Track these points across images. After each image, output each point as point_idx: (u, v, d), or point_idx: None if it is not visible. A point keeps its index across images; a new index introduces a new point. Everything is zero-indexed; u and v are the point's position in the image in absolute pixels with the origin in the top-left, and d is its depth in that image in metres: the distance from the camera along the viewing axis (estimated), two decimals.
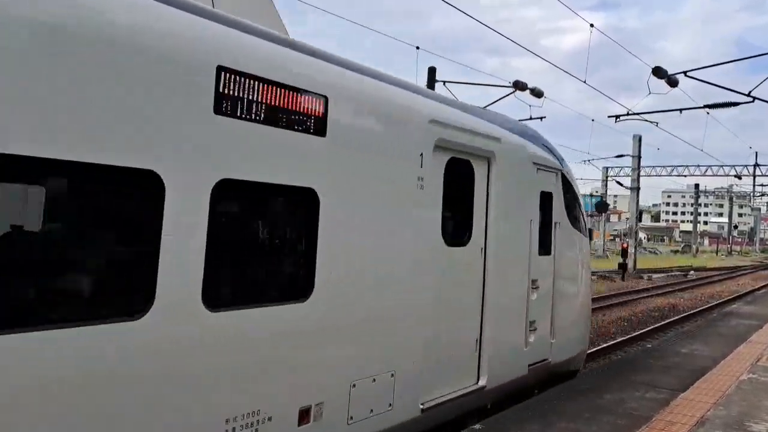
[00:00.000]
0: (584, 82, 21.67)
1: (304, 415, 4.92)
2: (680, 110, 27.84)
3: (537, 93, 21.76)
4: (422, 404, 6.21)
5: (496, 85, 23.18)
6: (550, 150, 8.94)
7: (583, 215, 9.88)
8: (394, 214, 5.77)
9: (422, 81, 22.91)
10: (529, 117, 24.02)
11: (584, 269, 10.00)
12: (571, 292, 9.43)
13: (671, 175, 64.73)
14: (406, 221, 5.92)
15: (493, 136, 7.31)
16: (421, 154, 6.11)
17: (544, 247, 8.51)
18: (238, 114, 4.37)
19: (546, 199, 8.59)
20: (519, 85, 21.52)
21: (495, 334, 7.30)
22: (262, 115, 4.53)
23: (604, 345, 15.82)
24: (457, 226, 6.92)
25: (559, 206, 8.93)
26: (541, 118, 24.11)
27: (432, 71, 24.01)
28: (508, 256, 7.59)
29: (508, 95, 22.58)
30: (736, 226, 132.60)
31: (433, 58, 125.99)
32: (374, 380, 5.58)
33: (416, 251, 6.05)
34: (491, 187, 7.31)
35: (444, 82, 23.52)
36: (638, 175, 50.30)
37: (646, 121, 31.62)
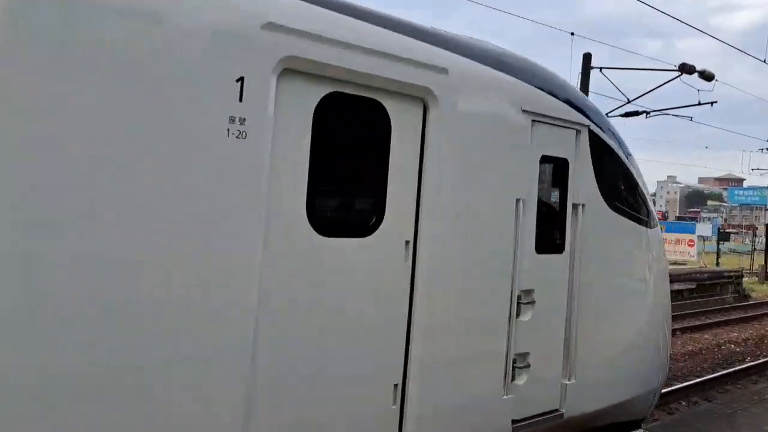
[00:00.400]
0: (764, 61, 19.61)
1: None
2: None
3: (707, 76, 20.06)
4: None
5: (660, 69, 21.72)
6: (566, 94, 5.86)
7: (641, 196, 6.68)
8: (146, 177, 3.25)
9: (577, 69, 21.97)
10: (697, 102, 22.27)
11: (651, 273, 6.77)
12: (616, 307, 6.33)
13: None
14: (191, 191, 3.42)
15: (432, 63, 4.58)
16: (241, 80, 3.68)
17: (549, 242, 5.66)
18: None
19: (555, 168, 5.77)
20: (686, 68, 19.96)
21: (433, 377, 4.61)
22: None
23: None
24: (349, 204, 4.58)
25: (584, 180, 5.87)
26: (711, 104, 22.22)
27: (587, 58, 22.96)
28: (464, 254, 4.84)
29: (673, 80, 21.06)
30: None
31: (588, 44, 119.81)
32: None
33: (226, 244, 3.54)
34: (429, 145, 4.57)
35: (600, 68, 22.48)
36: None
37: None
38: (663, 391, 7.55)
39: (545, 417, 5.49)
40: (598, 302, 6.00)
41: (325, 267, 4.06)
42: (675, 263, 33.79)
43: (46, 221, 2.96)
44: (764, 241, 35.97)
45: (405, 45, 4.45)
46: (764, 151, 49.49)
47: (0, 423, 2.84)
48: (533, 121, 5.34)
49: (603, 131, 6.18)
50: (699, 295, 25.38)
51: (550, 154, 5.58)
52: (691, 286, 25.56)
